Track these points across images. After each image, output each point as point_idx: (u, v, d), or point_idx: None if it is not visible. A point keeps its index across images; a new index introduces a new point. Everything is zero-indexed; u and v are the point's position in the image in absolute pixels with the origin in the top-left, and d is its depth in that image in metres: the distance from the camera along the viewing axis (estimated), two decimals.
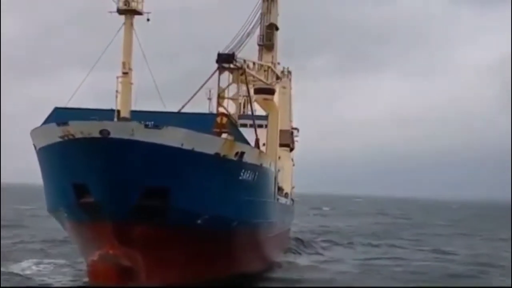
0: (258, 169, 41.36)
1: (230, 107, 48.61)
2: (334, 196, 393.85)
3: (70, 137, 33.21)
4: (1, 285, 18.79)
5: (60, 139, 33.80)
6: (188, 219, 35.80)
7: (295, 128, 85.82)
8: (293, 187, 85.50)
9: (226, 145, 37.27)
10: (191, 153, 34.98)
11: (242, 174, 39.29)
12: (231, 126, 39.18)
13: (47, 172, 37.96)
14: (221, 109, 44.88)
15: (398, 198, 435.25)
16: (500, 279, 49.93)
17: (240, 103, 48.67)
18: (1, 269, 42.15)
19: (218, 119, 38.19)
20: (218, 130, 37.87)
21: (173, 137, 34.41)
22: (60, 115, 37.75)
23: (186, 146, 34.81)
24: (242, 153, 38.47)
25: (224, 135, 37.68)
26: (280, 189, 66.32)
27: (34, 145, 37.70)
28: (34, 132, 36.93)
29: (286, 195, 71.84)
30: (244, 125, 47.11)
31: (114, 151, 32.78)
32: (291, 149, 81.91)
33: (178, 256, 36.29)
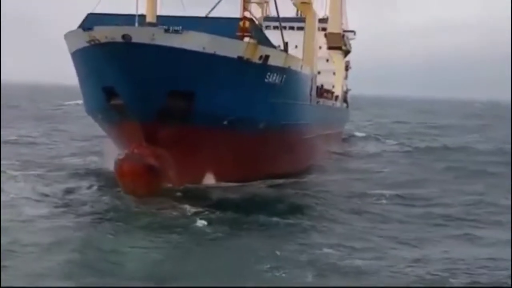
0: (285, 72, 41.92)
1: (256, 11, 48.63)
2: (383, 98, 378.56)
3: (96, 41, 34.65)
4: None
5: (87, 44, 35.38)
6: (214, 121, 37.09)
7: (351, 31, 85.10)
8: (347, 90, 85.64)
9: (249, 48, 37.85)
10: (213, 57, 35.84)
11: (267, 77, 40.01)
12: (255, 30, 39.41)
13: (80, 75, 39.82)
14: (246, 13, 45.03)
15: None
16: None
17: (266, 7, 48.33)
18: None
19: (241, 23, 38.47)
20: (241, 34, 38.37)
21: (194, 41, 35.29)
22: (93, 21, 38.94)
23: (208, 50, 35.68)
24: (267, 57, 39.05)
25: (246, 39, 38.25)
26: (327, 92, 66.91)
27: (68, 49, 39.44)
28: (67, 37, 38.58)
29: (336, 98, 72.36)
30: (276, 28, 47.13)
31: (136, 55, 34.01)
32: (346, 52, 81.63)
33: (207, 156, 37.73)
